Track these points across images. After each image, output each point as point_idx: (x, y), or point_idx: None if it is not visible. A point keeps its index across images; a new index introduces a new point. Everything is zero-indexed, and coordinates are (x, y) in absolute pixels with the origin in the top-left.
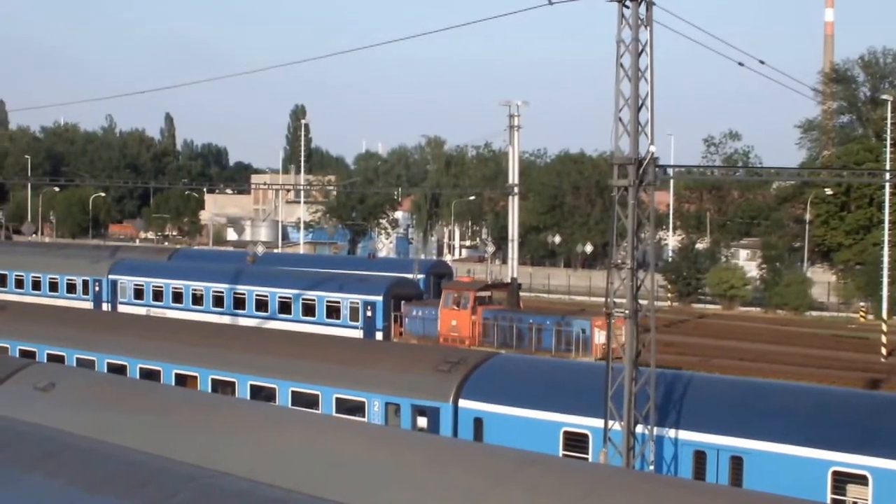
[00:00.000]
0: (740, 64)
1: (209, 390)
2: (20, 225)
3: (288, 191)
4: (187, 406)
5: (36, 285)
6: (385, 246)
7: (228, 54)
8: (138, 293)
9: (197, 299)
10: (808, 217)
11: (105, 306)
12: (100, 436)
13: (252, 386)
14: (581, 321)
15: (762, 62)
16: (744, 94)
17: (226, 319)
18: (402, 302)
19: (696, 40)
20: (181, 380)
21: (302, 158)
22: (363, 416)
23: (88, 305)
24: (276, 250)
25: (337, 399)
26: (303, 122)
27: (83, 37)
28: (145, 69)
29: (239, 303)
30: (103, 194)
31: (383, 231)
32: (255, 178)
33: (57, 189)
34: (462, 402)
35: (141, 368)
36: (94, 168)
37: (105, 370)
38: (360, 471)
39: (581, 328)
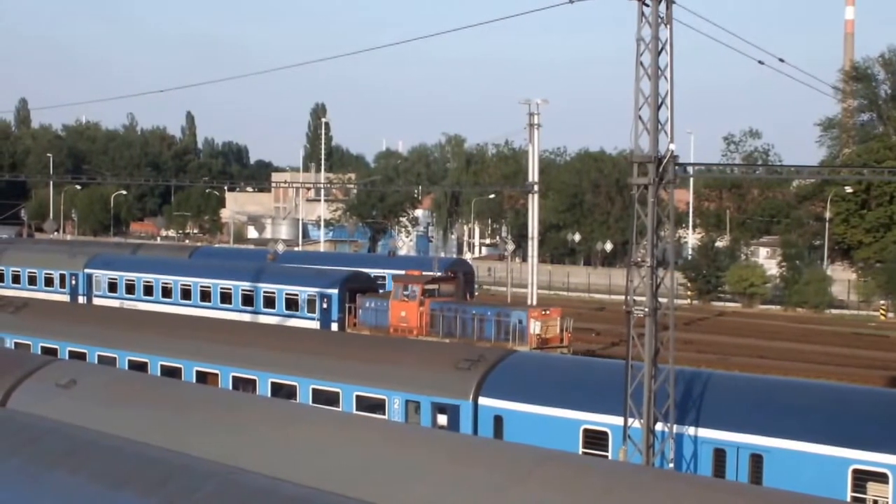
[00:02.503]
0: (760, 62)
1: (230, 387)
2: (42, 222)
3: (308, 189)
4: (208, 403)
5: (16, 279)
6: (405, 244)
7: (249, 53)
8: (112, 286)
9: (166, 292)
10: (828, 215)
11: (81, 299)
12: (121, 432)
13: (273, 383)
14: (518, 312)
15: (782, 60)
16: (764, 93)
17: (193, 311)
18: (357, 294)
19: (716, 38)
20: (202, 377)
21: (322, 157)
22: (384, 414)
23: (65, 298)
24: (296, 248)
25: (357, 397)
26: (323, 120)
27: (105, 36)
28: (166, 68)
29: (205, 295)
30: (124, 192)
31: (403, 229)
32: (275, 177)
33: (78, 187)
34: (482, 400)
35: (162, 366)
36: (115, 166)
37: (126, 367)
38: (379, 468)
39: (518, 319)
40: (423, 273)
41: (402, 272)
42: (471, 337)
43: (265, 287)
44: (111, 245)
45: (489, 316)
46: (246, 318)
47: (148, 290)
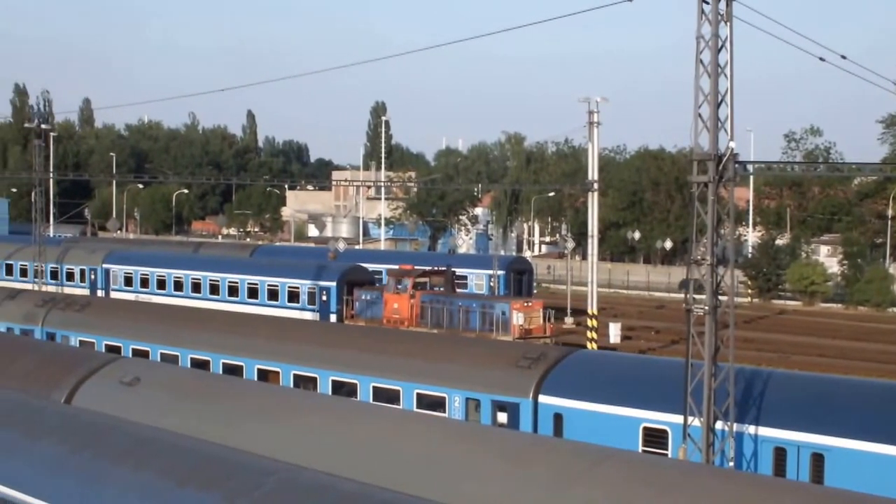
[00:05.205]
0: (821, 59)
1: (291, 385)
2: (105, 222)
3: (368, 187)
4: (269, 401)
5: (38, 274)
6: (465, 242)
7: (309, 52)
8: (128, 281)
9: (178, 286)
10: (890, 213)
11: (99, 293)
12: (184, 430)
13: (333, 381)
14: (501, 304)
15: (844, 57)
16: (825, 90)
17: (196, 303)
18: (354, 287)
19: (777, 35)
20: (263, 375)
21: (382, 155)
22: (444, 412)
23: (85, 292)
24: (356, 246)
25: (418, 395)
26: (383, 118)
27: (166, 38)
28: (227, 68)
29: (213, 288)
30: (186, 191)
31: (463, 227)
32: (335, 175)
33: (141, 186)
34: (542, 398)
35: (224, 364)
36: (177, 165)
37: (188, 365)
38: (439, 466)
39: (501, 311)
40: (415, 267)
41: (462, 270)
42: (457, 328)
43: (269, 280)
44: (174, 244)
45: (474, 308)
46: (249, 309)
47: (161, 283)
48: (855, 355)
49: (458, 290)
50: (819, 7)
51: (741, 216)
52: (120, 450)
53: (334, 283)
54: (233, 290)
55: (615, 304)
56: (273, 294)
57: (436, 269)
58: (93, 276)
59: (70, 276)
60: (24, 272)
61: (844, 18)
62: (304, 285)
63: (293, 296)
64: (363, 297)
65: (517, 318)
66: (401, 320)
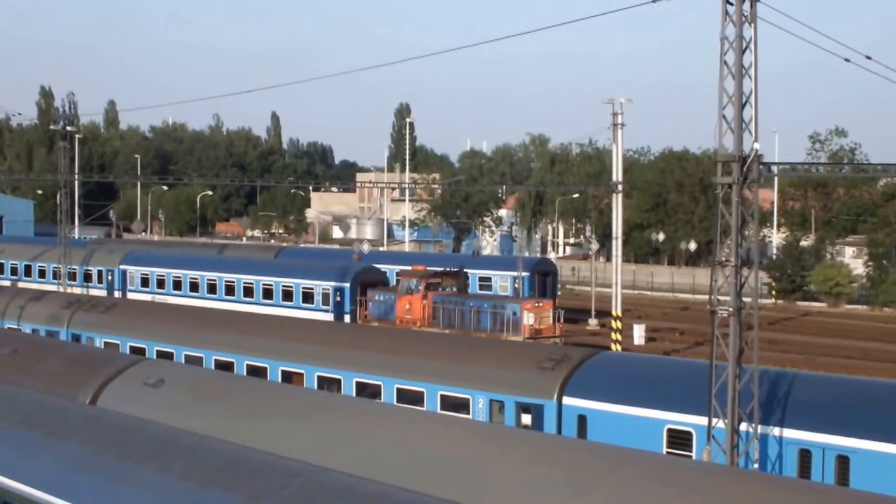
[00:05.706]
0: (846, 60)
1: (315, 387)
2: (130, 223)
3: (393, 189)
4: (293, 403)
5: (56, 275)
6: (489, 244)
7: (333, 54)
8: (144, 281)
9: (194, 287)
10: None
11: (117, 293)
12: (207, 431)
13: (357, 383)
14: (512, 305)
15: (869, 58)
16: (850, 91)
17: (218, 304)
18: (368, 288)
19: (801, 36)
20: (287, 376)
21: (406, 157)
22: (468, 414)
23: (102, 293)
24: (381, 248)
25: (442, 396)
26: (407, 120)
27: (192, 40)
28: (252, 70)
29: (229, 289)
30: (210, 193)
31: (487, 229)
32: (360, 177)
33: (165, 188)
34: (566, 400)
35: (248, 365)
36: (201, 167)
37: (213, 367)
38: (462, 467)
39: (512, 311)
40: (427, 268)
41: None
42: (469, 328)
43: (283, 281)
44: (198, 245)
45: (485, 308)
46: (264, 310)
47: (177, 284)
48: (880, 357)
49: (481, 291)
50: (845, 5)
51: (766, 217)
52: (144, 451)
53: (348, 284)
54: (248, 291)
55: (639, 305)
56: (287, 295)
57: (448, 269)
58: (110, 278)
59: (88, 277)
60: (47, 273)
61: (867, 12)
62: (318, 286)
63: (308, 296)
64: (377, 298)
65: (528, 319)
66: (413, 321)
